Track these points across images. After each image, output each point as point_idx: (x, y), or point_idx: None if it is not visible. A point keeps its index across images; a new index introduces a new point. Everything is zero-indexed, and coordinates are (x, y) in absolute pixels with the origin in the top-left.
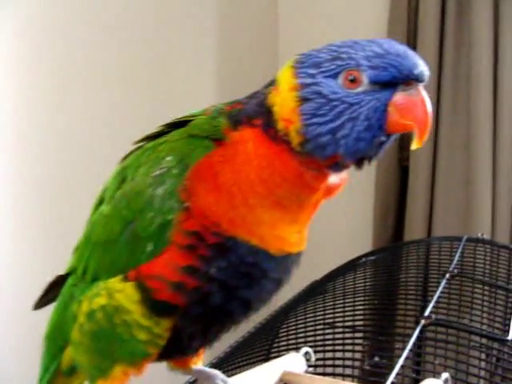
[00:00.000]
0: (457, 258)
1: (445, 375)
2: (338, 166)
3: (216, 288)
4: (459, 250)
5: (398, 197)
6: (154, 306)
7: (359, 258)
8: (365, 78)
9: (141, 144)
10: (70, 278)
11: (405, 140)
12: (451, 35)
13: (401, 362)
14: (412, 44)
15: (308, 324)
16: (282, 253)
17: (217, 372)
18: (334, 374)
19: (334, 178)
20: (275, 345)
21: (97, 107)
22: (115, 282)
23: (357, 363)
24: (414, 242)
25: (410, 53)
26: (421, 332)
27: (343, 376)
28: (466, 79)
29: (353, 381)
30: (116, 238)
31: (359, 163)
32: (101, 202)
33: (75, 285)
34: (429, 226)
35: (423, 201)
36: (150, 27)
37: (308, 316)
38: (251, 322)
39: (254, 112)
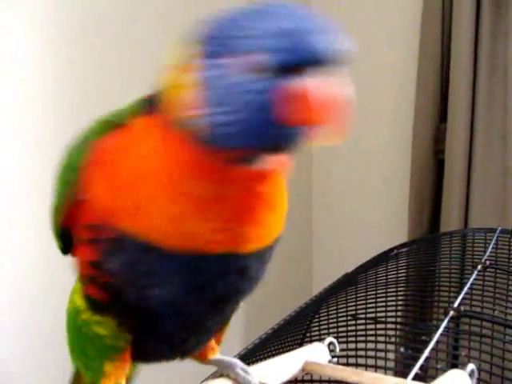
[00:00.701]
0: (490, 249)
1: (470, 366)
2: (246, 160)
3: (124, 284)
4: (492, 242)
5: (434, 190)
6: (89, 302)
7: (392, 249)
8: (265, 62)
9: None
10: None
11: (440, 133)
12: (487, 25)
13: (426, 353)
14: (447, 35)
15: (340, 315)
16: (191, 251)
17: (236, 361)
18: (363, 365)
19: (261, 165)
20: (307, 336)
21: None
22: (76, 282)
23: (390, 355)
24: (447, 234)
25: (316, 27)
26: (457, 325)
27: (375, 367)
28: (503, 69)
29: (385, 372)
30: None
31: (272, 152)
32: None
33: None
34: (465, 218)
35: (459, 193)
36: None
37: (340, 307)
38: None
39: (154, 99)
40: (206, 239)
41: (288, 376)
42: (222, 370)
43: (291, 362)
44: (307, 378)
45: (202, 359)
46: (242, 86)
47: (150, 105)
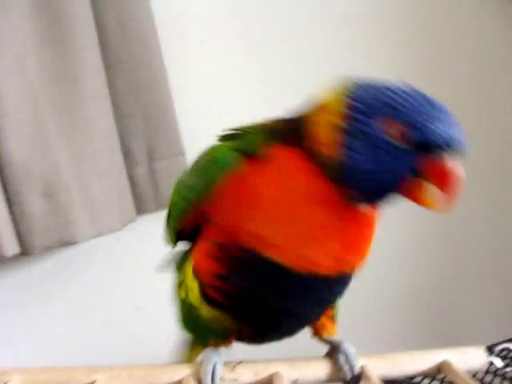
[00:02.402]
0: None
1: None
2: (356, 199)
3: (249, 297)
4: None
5: None
6: (209, 301)
7: None
8: (410, 135)
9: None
10: None
11: None
12: None
13: None
14: None
15: None
16: (306, 271)
17: (345, 345)
18: None
19: (367, 208)
20: None
21: None
22: (189, 278)
23: None
24: None
25: (458, 125)
26: None
27: None
28: None
29: None
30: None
31: (373, 202)
32: None
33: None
34: None
35: None
36: None
37: None
38: None
39: (292, 130)
40: (322, 263)
41: (410, 372)
42: (330, 351)
43: (425, 358)
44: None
45: (318, 337)
46: (382, 145)
47: (284, 135)
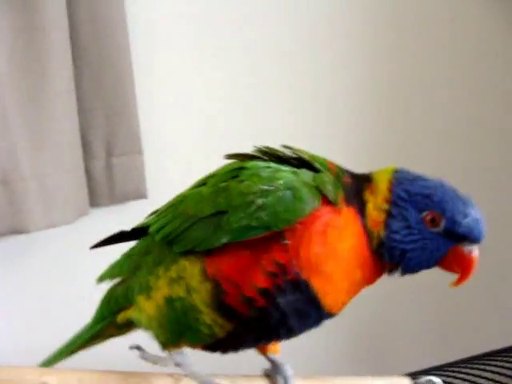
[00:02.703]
0: None
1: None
2: (391, 271)
3: (277, 314)
4: None
5: None
6: (222, 308)
7: None
8: (442, 224)
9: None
10: (142, 239)
11: None
12: None
13: None
14: None
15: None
16: (328, 309)
17: (285, 367)
18: None
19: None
20: None
21: None
22: (194, 277)
23: None
24: None
25: (482, 221)
26: None
27: None
28: None
29: None
30: (200, 216)
31: (407, 274)
32: (202, 184)
33: (148, 252)
34: None
35: None
36: None
37: None
38: None
39: (355, 197)
40: (337, 305)
41: None
42: (271, 370)
43: None
44: None
45: (262, 353)
46: (421, 231)
47: (353, 195)
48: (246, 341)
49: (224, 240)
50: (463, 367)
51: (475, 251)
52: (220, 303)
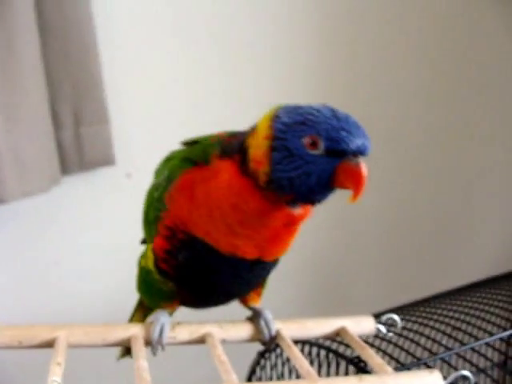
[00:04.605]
0: None
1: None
2: (293, 203)
3: (188, 269)
4: None
5: None
6: (159, 269)
7: None
8: (321, 145)
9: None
10: None
11: None
12: None
13: None
14: None
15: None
16: (233, 255)
17: (266, 313)
18: None
19: (297, 210)
20: None
21: None
22: (149, 250)
23: None
24: None
25: (361, 131)
26: None
27: None
28: None
29: None
30: (145, 218)
31: (311, 203)
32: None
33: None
34: None
35: None
36: None
37: None
38: None
39: (236, 148)
40: (247, 250)
41: (315, 335)
42: (253, 317)
43: (328, 325)
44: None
45: (244, 305)
46: (302, 155)
47: (230, 150)
48: (198, 296)
49: (153, 231)
50: (421, 307)
51: (360, 163)
52: (157, 267)
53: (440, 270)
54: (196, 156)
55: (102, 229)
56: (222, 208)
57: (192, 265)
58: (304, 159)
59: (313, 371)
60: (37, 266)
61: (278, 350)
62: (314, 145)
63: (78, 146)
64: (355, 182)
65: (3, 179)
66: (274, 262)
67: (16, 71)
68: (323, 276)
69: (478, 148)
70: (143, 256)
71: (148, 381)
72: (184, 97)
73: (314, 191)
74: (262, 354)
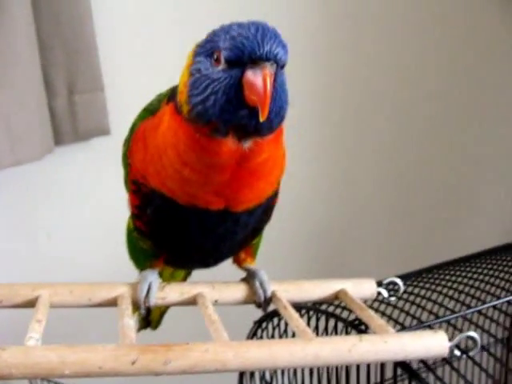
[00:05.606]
0: None
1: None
2: (220, 132)
3: (158, 225)
4: None
5: None
6: (135, 228)
7: None
8: (222, 58)
9: None
10: None
11: None
12: None
13: None
14: None
15: None
16: (194, 207)
17: (261, 273)
18: None
19: (247, 145)
20: None
21: None
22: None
23: None
24: None
25: (267, 37)
26: None
27: None
28: None
29: None
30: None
31: (243, 131)
32: None
33: None
34: None
35: None
36: None
37: None
38: None
39: (176, 89)
40: (207, 199)
41: (313, 298)
42: (248, 278)
43: (328, 287)
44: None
45: (238, 266)
46: (209, 74)
47: (174, 93)
48: (176, 254)
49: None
50: (427, 274)
51: (262, 71)
52: (134, 224)
53: (448, 240)
54: (152, 105)
55: (96, 200)
56: (167, 153)
57: (160, 220)
58: (210, 78)
59: (309, 330)
60: (28, 235)
61: (275, 321)
62: (217, 60)
63: (72, 114)
64: (256, 93)
65: None
66: (253, 214)
67: (7, 37)
68: (327, 244)
69: (489, 113)
70: (129, 218)
71: (132, 338)
72: (183, 64)
73: (228, 111)
74: (259, 324)
